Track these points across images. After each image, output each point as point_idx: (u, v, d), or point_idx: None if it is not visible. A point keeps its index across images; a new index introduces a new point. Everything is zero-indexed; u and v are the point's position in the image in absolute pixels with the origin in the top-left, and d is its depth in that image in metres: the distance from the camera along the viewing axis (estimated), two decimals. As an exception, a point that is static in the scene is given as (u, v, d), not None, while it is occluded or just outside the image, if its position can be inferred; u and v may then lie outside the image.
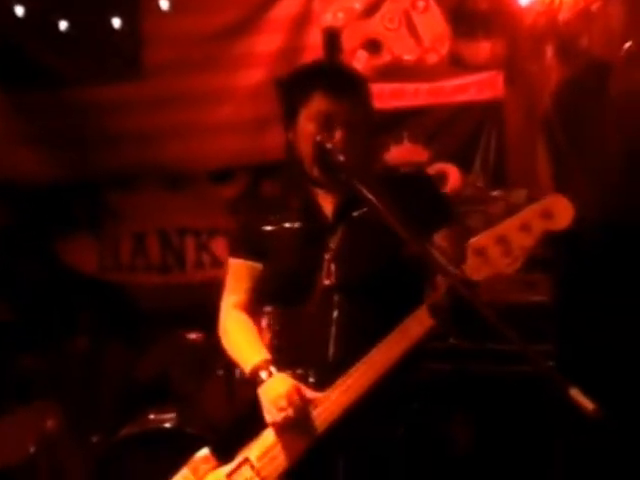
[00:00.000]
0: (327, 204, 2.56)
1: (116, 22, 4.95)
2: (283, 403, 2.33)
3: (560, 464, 3.73)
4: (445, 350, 3.77)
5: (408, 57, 4.86)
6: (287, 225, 2.57)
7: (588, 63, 4.56)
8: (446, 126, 4.90)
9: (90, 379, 4.74)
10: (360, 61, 4.82)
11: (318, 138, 2.46)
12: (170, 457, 2.56)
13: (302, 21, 4.89)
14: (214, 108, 4.99)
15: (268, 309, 2.67)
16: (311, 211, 2.56)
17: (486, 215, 4.17)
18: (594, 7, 4.53)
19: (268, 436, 2.41)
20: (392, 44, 4.86)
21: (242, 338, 2.59)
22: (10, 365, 4.58)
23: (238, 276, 2.66)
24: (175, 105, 4.93)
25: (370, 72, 4.67)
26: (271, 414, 2.37)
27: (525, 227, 2.17)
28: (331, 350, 2.41)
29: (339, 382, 2.34)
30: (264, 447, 2.41)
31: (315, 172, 2.52)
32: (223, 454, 2.48)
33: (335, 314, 2.43)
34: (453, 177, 4.75)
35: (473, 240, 2.21)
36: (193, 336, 4.40)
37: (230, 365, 3.70)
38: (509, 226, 2.19)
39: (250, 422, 2.46)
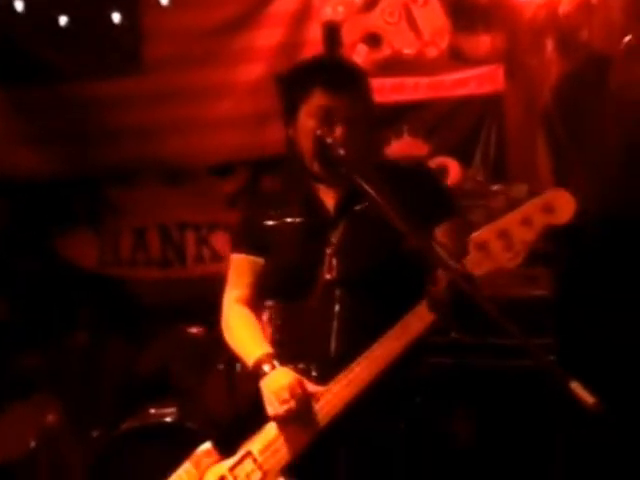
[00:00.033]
0: (328, 199, 2.56)
1: (116, 17, 4.94)
2: (286, 395, 2.33)
3: (561, 458, 3.74)
4: (446, 344, 3.77)
5: (408, 51, 4.86)
6: (289, 220, 2.57)
7: (588, 57, 4.56)
8: (446, 120, 4.90)
9: (90, 374, 4.74)
10: (360, 55, 4.82)
11: (318, 132, 2.45)
12: (170, 452, 2.56)
13: (302, 15, 4.89)
14: (214, 103, 4.98)
15: (269, 303, 2.67)
16: (312, 206, 2.56)
17: (487, 209, 4.17)
18: (594, 0, 4.53)
19: (270, 430, 2.41)
20: (392, 38, 4.86)
21: (244, 332, 2.59)
22: (10, 361, 4.58)
23: (240, 271, 2.66)
24: (175, 100, 4.93)
25: (370, 66, 4.67)
26: (273, 406, 2.37)
27: (527, 221, 2.17)
28: (333, 344, 2.41)
29: (341, 376, 2.34)
30: (266, 441, 2.41)
31: (315, 167, 2.52)
32: (224, 448, 2.49)
33: (337, 308, 2.43)
34: (453, 171, 4.76)
35: (475, 234, 2.21)
36: (194, 330, 4.40)
37: (231, 359, 3.70)
38: (511, 220, 2.19)
39: (251, 416, 2.47)
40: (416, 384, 2.48)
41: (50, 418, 4.21)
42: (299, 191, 2.61)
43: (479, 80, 4.79)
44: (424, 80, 4.86)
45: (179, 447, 2.56)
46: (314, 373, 2.41)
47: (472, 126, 4.84)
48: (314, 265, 2.46)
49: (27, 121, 5.06)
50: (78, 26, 4.97)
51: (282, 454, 2.39)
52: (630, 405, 3.65)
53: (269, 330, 2.62)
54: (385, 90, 4.74)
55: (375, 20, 4.87)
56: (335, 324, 2.41)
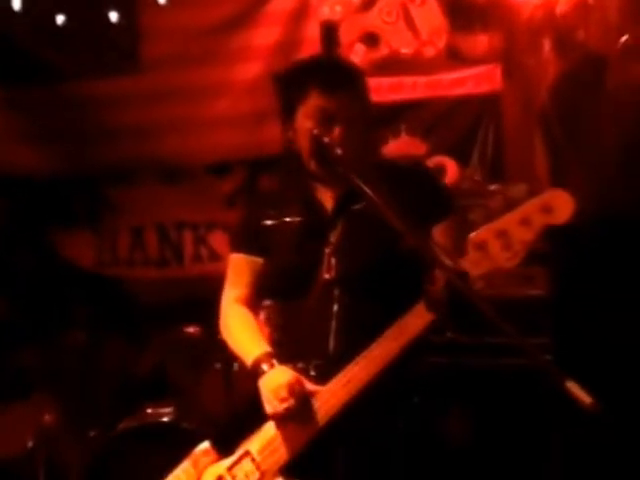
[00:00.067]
0: (327, 198, 2.56)
1: (113, 16, 4.95)
2: (284, 393, 2.34)
3: (557, 457, 3.74)
4: (443, 344, 3.77)
5: (406, 50, 4.86)
6: (287, 219, 2.57)
7: (585, 56, 4.56)
8: (444, 119, 4.90)
9: (88, 373, 4.73)
10: (358, 54, 4.82)
11: (315, 132, 2.45)
12: (168, 451, 2.57)
13: (299, 14, 4.89)
14: (212, 102, 4.98)
15: (267, 303, 2.68)
16: (311, 205, 2.56)
17: (485, 209, 4.17)
18: (591, 0, 4.54)
19: (269, 429, 2.42)
20: (390, 37, 4.86)
21: (243, 332, 2.59)
22: (8, 360, 4.58)
23: (239, 270, 2.66)
24: (173, 99, 4.93)
25: (368, 66, 4.68)
26: (272, 405, 2.37)
27: (525, 221, 2.18)
28: (331, 344, 2.41)
29: (340, 376, 2.34)
30: (265, 440, 2.41)
31: (313, 166, 2.52)
32: (221, 448, 2.49)
33: (335, 308, 2.43)
34: (451, 170, 4.76)
35: (473, 234, 2.22)
36: (191, 330, 4.40)
37: (228, 359, 3.72)
38: (509, 220, 2.20)
39: (248, 416, 2.47)
40: (414, 384, 2.49)
41: (48, 417, 4.21)
42: (297, 191, 2.62)
43: (477, 80, 4.79)
44: (422, 79, 4.86)
45: (177, 447, 2.57)
46: (313, 372, 2.41)
47: (470, 125, 4.84)
48: (313, 265, 2.46)
49: (25, 120, 5.06)
50: (76, 25, 4.98)
51: (280, 453, 2.39)
52: (626, 405, 3.65)
53: (266, 330, 2.62)
54: (383, 89, 4.75)
55: (373, 19, 4.87)
56: (334, 323, 2.42)
